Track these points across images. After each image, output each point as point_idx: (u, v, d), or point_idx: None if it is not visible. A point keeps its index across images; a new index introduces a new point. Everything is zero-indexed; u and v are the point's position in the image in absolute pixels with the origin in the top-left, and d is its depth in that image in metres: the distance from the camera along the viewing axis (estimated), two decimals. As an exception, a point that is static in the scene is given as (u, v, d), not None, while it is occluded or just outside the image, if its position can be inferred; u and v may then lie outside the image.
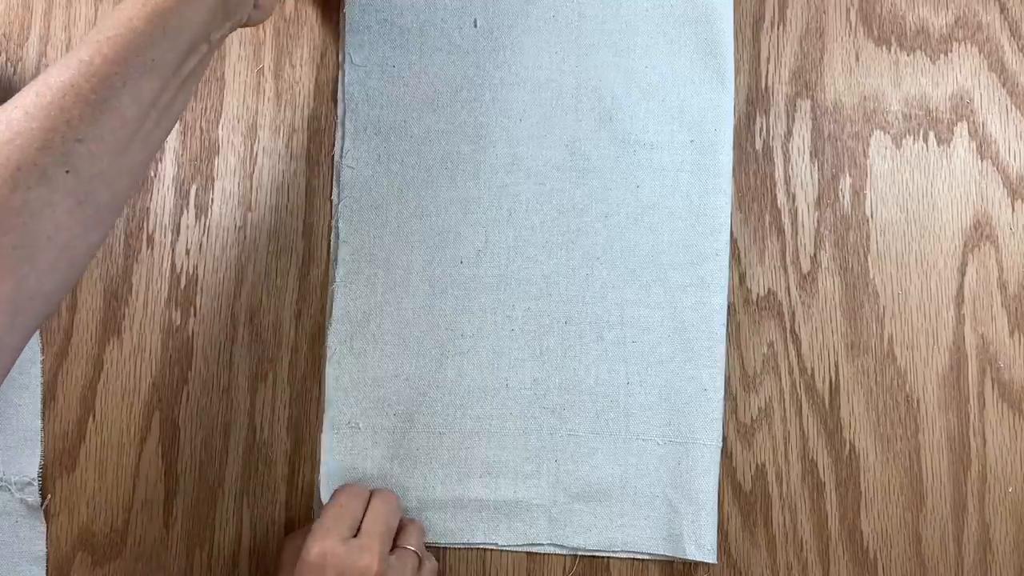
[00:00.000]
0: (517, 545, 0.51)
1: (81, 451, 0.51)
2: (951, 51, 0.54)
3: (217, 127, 0.54)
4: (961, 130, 0.54)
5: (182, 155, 0.54)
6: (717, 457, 0.51)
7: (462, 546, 0.51)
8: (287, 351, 0.52)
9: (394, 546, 0.47)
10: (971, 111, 0.54)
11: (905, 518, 0.51)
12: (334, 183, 0.53)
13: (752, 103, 0.54)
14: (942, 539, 0.51)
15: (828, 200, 0.53)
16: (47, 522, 0.51)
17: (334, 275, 0.52)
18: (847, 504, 0.51)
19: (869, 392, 0.52)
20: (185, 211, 0.53)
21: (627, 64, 0.53)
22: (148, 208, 0.53)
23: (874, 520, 0.51)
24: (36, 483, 0.51)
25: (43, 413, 0.51)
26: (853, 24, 0.54)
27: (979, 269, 0.53)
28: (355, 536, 0.45)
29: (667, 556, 0.51)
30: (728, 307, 0.52)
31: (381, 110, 0.53)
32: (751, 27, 0.54)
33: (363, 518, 0.47)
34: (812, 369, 0.52)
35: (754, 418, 0.52)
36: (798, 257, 0.53)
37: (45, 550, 0.51)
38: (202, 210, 0.53)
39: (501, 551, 0.52)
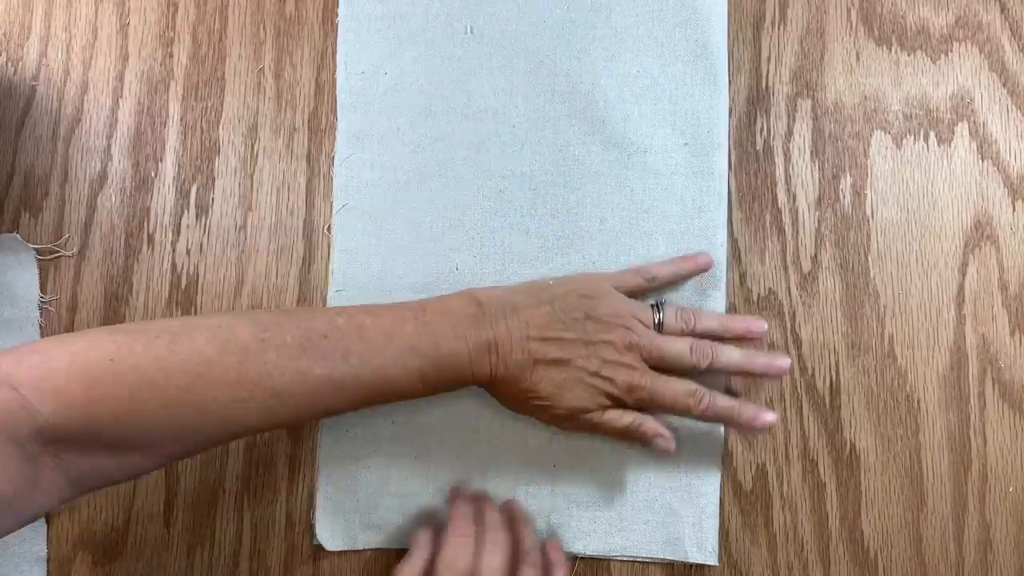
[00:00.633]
0: (517, 546, 0.51)
1: (81, 451, 0.51)
2: (951, 51, 0.54)
3: (217, 127, 0.54)
4: (962, 130, 0.53)
5: (182, 155, 0.54)
6: (718, 459, 0.51)
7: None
8: (287, 351, 0.52)
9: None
10: (971, 111, 0.54)
11: (905, 518, 0.51)
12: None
13: (753, 103, 0.54)
14: (942, 539, 0.51)
15: (829, 200, 0.53)
16: (48, 522, 0.51)
17: (330, 283, 0.52)
18: (847, 504, 0.51)
19: (869, 392, 0.52)
20: (185, 211, 0.53)
21: (619, 68, 0.53)
22: (148, 208, 0.53)
23: (874, 520, 0.51)
24: (36, 483, 0.51)
25: (43, 413, 0.51)
26: (854, 24, 0.54)
27: (980, 269, 0.52)
28: None
29: (668, 560, 0.51)
30: (728, 307, 0.52)
31: (376, 117, 0.53)
32: (751, 27, 0.54)
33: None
34: (812, 369, 0.52)
35: (755, 418, 0.52)
36: (798, 257, 0.53)
37: (46, 550, 0.51)
38: (202, 210, 0.53)
39: (501, 551, 0.51)
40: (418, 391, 0.45)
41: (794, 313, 0.52)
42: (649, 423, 0.46)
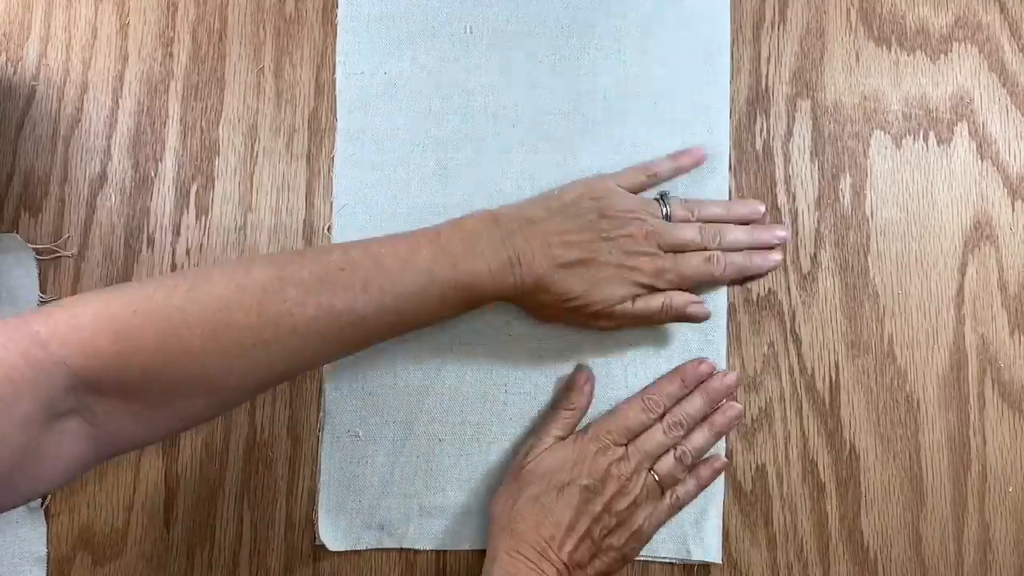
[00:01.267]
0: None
1: (81, 451, 0.51)
2: (951, 51, 0.54)
3: (217, 127, 0.54)
4: (961, 130, 0.54)
5: (182, 155, 0.54)
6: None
7: (464, 551, 0.51)
8: (287, 351, 0.52)
9: None
10: (971, 111, 0.54)
11: (905, 518, 0.51)
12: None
13: (752, 103, 0.54)
14: (942, 539, 0.51)
15: (828, 200, 0.53)
16: (48, 522, 0.51)
17: None
18: (847, 504, 0.51)
19: (869, 392, 0.52)
20: (185, 211, 0.53)
21: (619, 68, 0.53)
22: (148, 208, 0.53)
23: (874, 520, 0.51)
24: (36, 483, 0.51)
25: (43, 413, 0.51)
26: (853, 24, 0.54)
27: (979, 269, 0.53)
28: None
29: (670, 559, 0.51)
30: (728, 307, 0.52)
31: (375, 117, 0.53)
32: (751, 27, 0.54)
33: None
34: (812, 369, 0.52)
35: (754, 418, 0.52)
36: (798, 257, 0.53)
37: (46, 550, 0.51)
38: (202, 210, 0.53)
39: (501, 551, 0.51)
40: (441, 314, 0.46)
41: (794, 313, 0.52)
42: (678, 296, 0.49)
